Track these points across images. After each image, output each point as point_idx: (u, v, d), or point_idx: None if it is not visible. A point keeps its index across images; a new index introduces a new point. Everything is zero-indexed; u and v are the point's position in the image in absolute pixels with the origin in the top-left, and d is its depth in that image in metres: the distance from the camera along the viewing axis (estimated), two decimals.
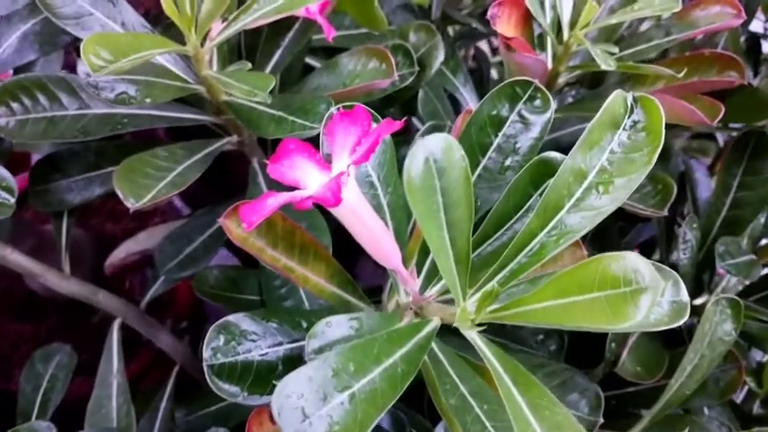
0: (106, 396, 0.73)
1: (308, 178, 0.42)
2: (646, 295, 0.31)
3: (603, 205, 0.39)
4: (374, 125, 0.41)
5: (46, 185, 0.71)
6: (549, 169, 0.45)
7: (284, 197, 0.40)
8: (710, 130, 0.95)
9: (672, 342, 0.72)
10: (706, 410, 0.69)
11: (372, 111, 0.49)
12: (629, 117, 0.40)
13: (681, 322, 0.41)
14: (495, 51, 1.37)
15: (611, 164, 0.40)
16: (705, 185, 0.83)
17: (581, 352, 0.70)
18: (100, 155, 0.72)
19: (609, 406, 0.63)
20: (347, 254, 0.57)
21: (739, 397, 0.86)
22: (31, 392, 0.75)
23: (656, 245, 0.85)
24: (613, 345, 0.64)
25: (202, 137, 0.70)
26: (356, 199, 0.42)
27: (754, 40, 1.00)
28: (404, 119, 0.43)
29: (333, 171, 0.41)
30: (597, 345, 0.70)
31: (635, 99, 0.40)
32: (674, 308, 0.42)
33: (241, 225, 0.43)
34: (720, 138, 1.04)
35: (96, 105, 0.64)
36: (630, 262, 0.32)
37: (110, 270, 1.15)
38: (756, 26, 1.26)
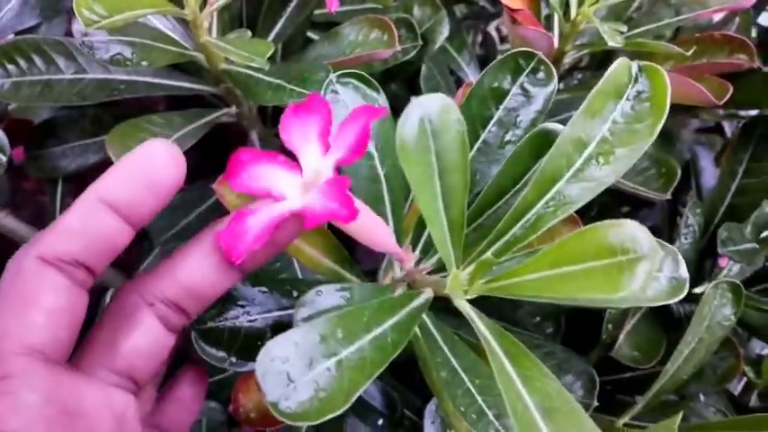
0: None
1: (281, 183, 0.38)
2: (643, 264, 0.30)
3: (604, 176, 0.38)
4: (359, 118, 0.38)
5: (41, 151, 0.70)
6: (549, 141, 0.43)
7: (269, 214, 0.36)
8: (717, 119, 0.93)
9: (671, 328, 0.71)
10: (702, 397, 0.68)
11: (373, 81, 0.48)
12: (632, 86, 0.39)
13: (679, 298, 0.40)
14: (503, 39, 1.36)
15: (612, 134, 0.39)
16: (710, 173, 0.81)
17: (578, 336, 0.69)
18: (96, 122, 0.71)
19: (604, 392, 0.62)
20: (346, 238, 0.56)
21: (737, 389, 0.85)
22: None
23: (660, 232, 0.84)
24: (610, 326, 0.63)
25: (200, 108, 0.69)
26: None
27: (766, 33, 0.98)
28: (386, 107, 0.41)
29: (304, 170, 0.38)
30: (594, 330, 0.69)
31: (640, 68, 0.39)
32: (672, 284, 0.41)
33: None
34: (728, 129, 1.03)
35: (93, 70, 0.63)
36: (628, 230, 0.31)
37: None
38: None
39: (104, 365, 0.39)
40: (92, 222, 0.36)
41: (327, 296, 0.41)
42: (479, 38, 1.24)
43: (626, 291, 0.30)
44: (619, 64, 0.39)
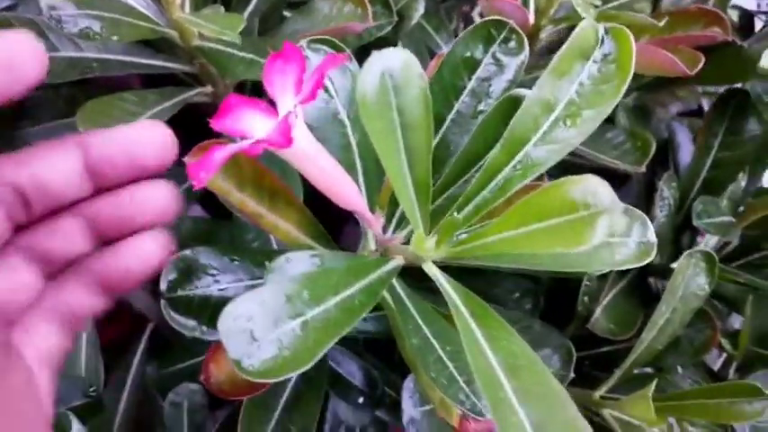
0: (76, 347, 0.72)
1: (256, 126, 0.40)
2: (604, 218, 0.30)
3: (571, 137, 0.38)
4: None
5: (15, 132, 0.69)
6: (519, 107, 0.44)
7: (232, 147, 0.38)
8: (695, 97, 0.94)
9: (648, 303, 0.72)
10: (679, 369, 0.68)
11: (344, 48, 0.47)
12: (599, 48, 0.39)
13: (646, 262, 0.40)
14: None
15: (579, 96, 0.39)
16: (687, 150, 0.82)
17: (557, 313, 0.69)
18: (70, 102, 0.70)
19: (582, 367, 0.63)
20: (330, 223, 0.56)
21: (716, 365, 0.86)
22: None
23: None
24: (586, 299, 0.63)
25: (175, 87, 0.69)
26: (307, 140, 0.40)
27: (748, 17, 0.98)
28: (346, 52, 0.41)
29: (279, 115, 0.40)
30: (573, 307, 0.69)
31: (606, 30, 0.39)
32: (641, 248, 0.42)
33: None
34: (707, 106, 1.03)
35: (65, 48, 0.62)
36: (590, 185, 0.31)
37: None
38: (750, 4, 1.25)
39: None
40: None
41: (298, 262, 0.41)
42: (462, 24, 1.24)
43: (586, 244, 0.30)
44: (585, 26, 0.39)
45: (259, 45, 0.58)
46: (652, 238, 0.41)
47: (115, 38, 0.56)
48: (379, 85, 0.31)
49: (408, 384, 0.61)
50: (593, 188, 0.31)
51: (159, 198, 0.38)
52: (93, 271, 0.38)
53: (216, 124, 0.40)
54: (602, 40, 0.39)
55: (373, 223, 0.44)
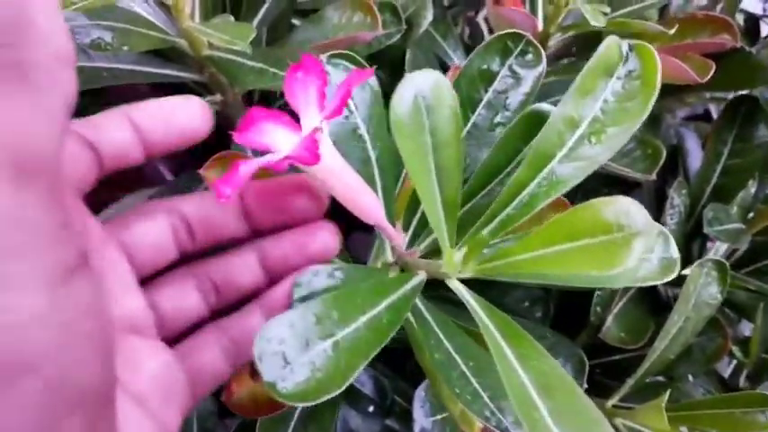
0: None
1: (280, 141, 0.40)
2: (639, 240, 0.30)
3: (596, 155, 0.38)
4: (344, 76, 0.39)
5: None
6: (541, 121, 0.43)
7: (258, 161, 0.38)
8: (703, 102, 0.94)
9: (658, 311, 0.72)
10: (690, 378, 0.68)
11: (363, 62, 0.47)
12: (623, 65, 0.39)
13: (669, 278, 0.41)
14: (491, 31, 1.34)
15: (604, 113, 0.39)
16: (697, 156, 0.82)
17: (566, 321, 0.70)
18: (80, 112, 0.70)
19: (593, 375, 0.63)
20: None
21: (726, 372, 0.86)
22: None
23: None
24: (599, 308, 0.63)
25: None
26: (332, 155, 0.40)
27: (753, 21, 0.99)
28: (374, 67, 0.41)
29: (303, 129, 0.40)
30: (583, 314, 0.70)
31: (630, 47, 0.39)
32: (663, 264, 0.42)
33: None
34: (716, 114, 1.03)
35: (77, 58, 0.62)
36: (623, 206, 0.31)
37: None
38: (756, 8, 1.25)
39: (112, 231, 0.39)
40: (108, 125, 0.39)
41: (322, 277, 0.41)
42: (468, 29, 1.23)
43: (622, 267, 0.30)
44: (609, 43, 0.39)
45: (269, 54, 0.58)
46: (675, 253, 0.42)
47: (126, 48, 0.55)
48: (413, 106, 0.31)
49: (420, 393, 0.61)
50: (626, 209, 0.31)
51: (323, 240, 0.42)
52: (228, 334, 0.41)
53: (238, 137, 0.41)
54: (627, 57, 0.39)
55: (395, 238, 0.44)
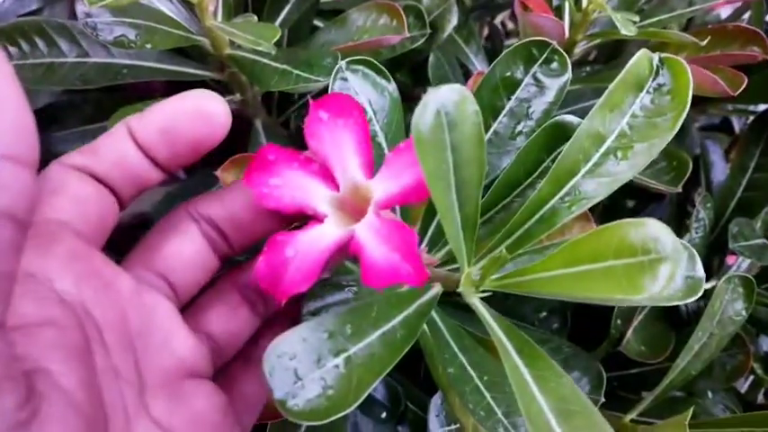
0: None
1: (314, 200, 0.36)
2: (665, 265, 0.29)
3: (621, 171, 0.37)
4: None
5: (42, 136, 0.68)
6: (564, 133, 0.43)
7: (308, 247, 0.35)
8: (725, 114, 0.92)
9: (677, 325, 0.70)
10: (710, 394, 0.67)
11: (383, 69, 0.46)
12: (653, 79, 0.38)
13: (695, 298, 0.39)
14: (508, 34, 1.34)
15: (631, 128, 0.37)
16: (720, 169, 0.80)
17: (583, 332, 0.68)
18: (97, 108, 0.70)
19: (611, 387, 0.61)
20: None
21: (743, 387, 0.84)
22: None
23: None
24: (619, 321, 0.62)
25: None
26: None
27: None
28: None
29: (341, 185, 0.36)
30: (600, 325, 0.68)
31: (661, 60, 0.38)
32: (688, 283, 0.40)
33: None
34: (737, 125, 1.01)
35: (96, 54, 0.61)
36: (651, 229, 0.30)
37: None
38: None
39: (142, 264, 0.38)
40: (114, 149, 0.37)
41: (335, 289, 0.40)
42: (486, 31, 1.22)
43: (646, 292, 0.29)
44: (639, 56, 0.38)
45: (293, 55, 0.57)
46: (700, 272, 0.40)
47: (149, 46, 0.55)
48: (435, 123, 0.30)
49: (436, 401, 0.60)
50: (655, 233, 0.30)
51: None
52: None
53: (255, 187, 0.36)
54: (657, 71, 0.38)
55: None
